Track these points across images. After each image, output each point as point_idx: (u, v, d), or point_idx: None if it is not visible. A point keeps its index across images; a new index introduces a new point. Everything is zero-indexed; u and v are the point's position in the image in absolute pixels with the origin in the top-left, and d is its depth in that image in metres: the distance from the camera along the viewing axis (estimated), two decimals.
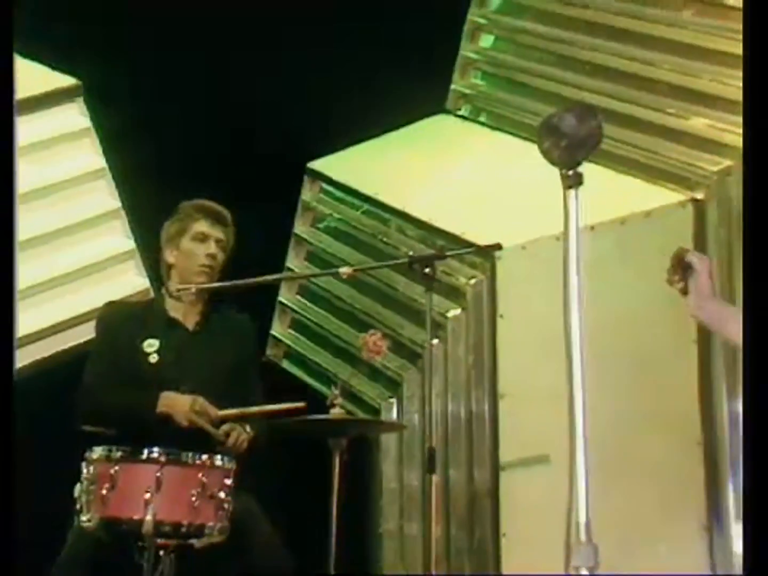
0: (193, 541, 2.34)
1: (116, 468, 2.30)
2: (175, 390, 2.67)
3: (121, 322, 2.87)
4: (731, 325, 2.01)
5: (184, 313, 2.87)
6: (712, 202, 3.40)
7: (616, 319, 3.18)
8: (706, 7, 3.58)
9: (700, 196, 3.44)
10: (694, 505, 3.22)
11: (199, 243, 2.86)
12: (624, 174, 3.60)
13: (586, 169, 1.45)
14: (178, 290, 2.83)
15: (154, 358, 2.76)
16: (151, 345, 2.77)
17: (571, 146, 1.46)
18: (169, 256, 2.90)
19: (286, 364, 4.30)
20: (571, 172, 1.45)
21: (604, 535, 1.30)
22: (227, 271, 2.94)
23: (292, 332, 4.33)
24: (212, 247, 2.86)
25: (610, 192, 3.32)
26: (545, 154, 1.47)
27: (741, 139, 2.90)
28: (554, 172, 1.47)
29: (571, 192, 1.45)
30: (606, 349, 2.90)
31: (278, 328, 4.34)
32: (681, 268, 2.06)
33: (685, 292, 2.06)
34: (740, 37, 2.91)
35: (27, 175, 3.61)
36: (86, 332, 3.41)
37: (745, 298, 1.91)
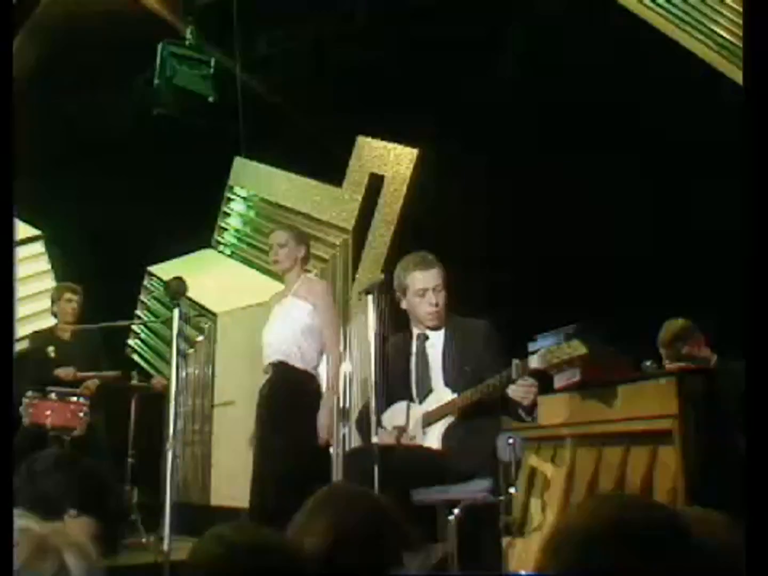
0: (69, 434, 5.58)
1: (35, 401, 5.55)
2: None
3: (39, 339, 6.13)
4: None
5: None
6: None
7: None
8: None
9: None
10: None
11: (66, 303, 6.15)
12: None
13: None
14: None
15: (52, 354, 6.01)
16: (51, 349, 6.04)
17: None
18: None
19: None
20: None
21: None
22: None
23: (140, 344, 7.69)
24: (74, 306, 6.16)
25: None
26: None
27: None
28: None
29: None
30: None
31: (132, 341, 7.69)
32: None
33: None
34: None
35: None
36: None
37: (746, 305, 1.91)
